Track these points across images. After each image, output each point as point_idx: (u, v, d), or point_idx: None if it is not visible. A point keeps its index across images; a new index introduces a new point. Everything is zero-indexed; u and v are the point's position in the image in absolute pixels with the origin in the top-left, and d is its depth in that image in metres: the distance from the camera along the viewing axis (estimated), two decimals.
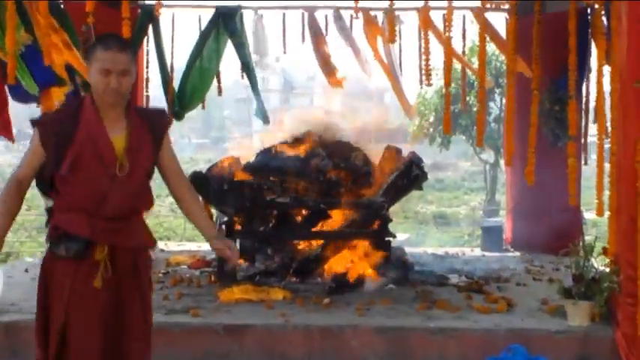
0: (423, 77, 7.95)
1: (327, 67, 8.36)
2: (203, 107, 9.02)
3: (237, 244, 7.00)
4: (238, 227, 6.72)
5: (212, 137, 55.30)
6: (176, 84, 8.48)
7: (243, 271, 6.73)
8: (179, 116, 8.52)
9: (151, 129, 3.06)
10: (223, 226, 6.58)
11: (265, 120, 8.27)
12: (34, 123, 2.96)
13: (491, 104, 17.06)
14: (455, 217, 23.55)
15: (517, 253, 8.67)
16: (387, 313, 5.24)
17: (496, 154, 19.58)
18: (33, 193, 3.15)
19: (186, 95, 8.36)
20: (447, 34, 6.71)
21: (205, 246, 9.83)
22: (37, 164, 2.93)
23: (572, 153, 6.07)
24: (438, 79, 15.32)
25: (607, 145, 5.32)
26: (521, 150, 6.64)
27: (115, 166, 2.93)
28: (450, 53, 6.78)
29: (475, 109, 17.81)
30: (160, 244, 10.85)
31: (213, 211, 7.22)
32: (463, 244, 16.21)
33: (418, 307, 5.38)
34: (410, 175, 6.77)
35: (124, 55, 2.90)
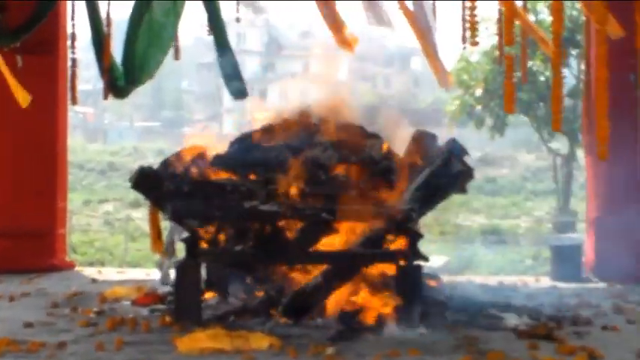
0: (467, 34, 7.97)
1: (333, 18, 8.37)
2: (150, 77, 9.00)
3: (203, 271, 7.02)
4: (204, 246, 6.72)
5: (164, 119, 55.35)
6: (116, 46, 8.47)
7: (212, 309, 6.70)
8: (124, 93, 8.52)
9: None
10: (179, 245, 6.59)
11: (240, 93, 8.27)
12: None
13: (565, 71, 17.04)
14: (513, 232, 23.61)
15: (602, 284, 8.67)
16: None
17: (572, 142, 19.59)
18: None
19: (136, 63, 8.31)
20: None
21: (157, 274, 9.85)
22: None
23: None
24: (488, 36, 15.37)
25: None
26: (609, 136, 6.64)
27: None
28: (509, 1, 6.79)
29: (542, 78, 17.88)
30: (92, 272, 10.91)
31: (168, 223, 7.21)
32: (525, 270, 16.22)
33: (460, 359, 5.39)
34: (449, 173, 6.77)
35: None
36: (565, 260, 9.32)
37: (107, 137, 49.23)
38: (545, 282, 9.27)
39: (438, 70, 8.80)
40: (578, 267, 9.25)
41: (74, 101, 9.56)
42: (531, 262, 18.74)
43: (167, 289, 7.81)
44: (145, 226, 21.85)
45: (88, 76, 45.39)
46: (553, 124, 7.05)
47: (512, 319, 6.74)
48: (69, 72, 9.40)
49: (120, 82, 8.37)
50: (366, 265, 6.71)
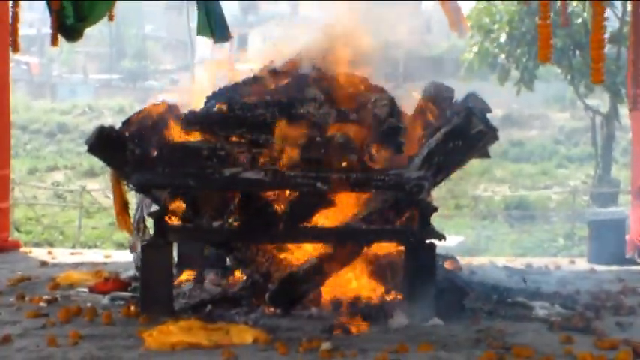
0: None
1: None
2: (111, 19, 9.00)
3: (175, 251, 7.06)
4: (176, 222, 6.75)
5: (125, 70, 55.07)
6: None
7: (185, 297, 6.76)
8: (75, 34, 8.50)
9: None
10: (148, 221, 6.61)
11: (222, 38, 8.24)
12: None
13: (607, 12, 16.92)
14: (542, 205, 23.70)
15: None
16: None
17: (614, 98, 19.63)
18: None
19: None
20: None
21: (118, 255, 9.86)
22: None
23: None
24: None
25: None
26: None
27: None
28: None
29: (579, 20, 17.82)
30: (40, 253, 10.94)
31: (132, 195, 7.23)
32: (557, 251, 16.33)
33: (481, 355, 5.45)
34: (467, 134, 6.80)
35: None
36: (605, 239, 9.37)
37: (56, 93, 48.97)
38: (582, 264, 9.34)
39: (450, 13, 8.79)
40: (621, 246, 9.31)
41: (16, 49, 9.50)
42: (564, 241, 18.83)
43: (132, 273, 7.85)
44: (102, 200, 21.85)
45: (30, 19, 45.05)
46: (593, 75, 7.01)
47: (542, 308, 6.80)
48: (10, 13, 9.34)
49: (69, 19, 8.33)
50: (369, 244, 6.75)
